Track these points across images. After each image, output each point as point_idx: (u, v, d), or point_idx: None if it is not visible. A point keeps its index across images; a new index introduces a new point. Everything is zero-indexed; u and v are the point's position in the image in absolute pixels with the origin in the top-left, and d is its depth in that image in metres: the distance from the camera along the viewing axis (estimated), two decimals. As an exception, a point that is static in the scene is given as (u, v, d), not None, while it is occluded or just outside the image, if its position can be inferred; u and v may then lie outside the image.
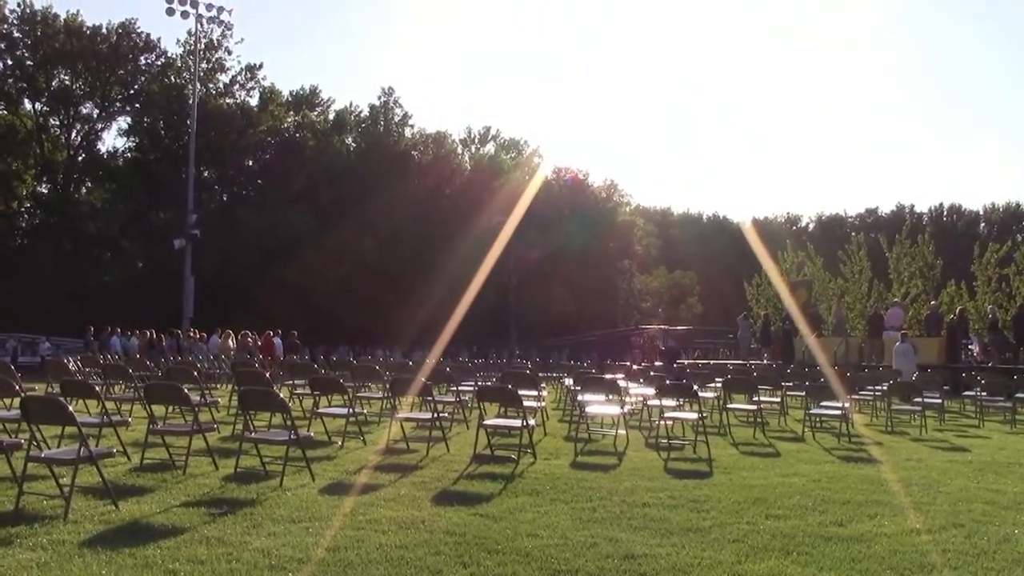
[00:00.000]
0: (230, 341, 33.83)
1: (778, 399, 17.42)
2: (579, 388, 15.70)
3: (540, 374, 19.34)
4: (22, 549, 6.66)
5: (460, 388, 16.35)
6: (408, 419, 13.40)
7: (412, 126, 69.11)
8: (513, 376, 16.61)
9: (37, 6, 59.49)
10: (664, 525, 7.90)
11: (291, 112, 67.17)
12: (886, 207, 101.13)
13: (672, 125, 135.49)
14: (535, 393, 14.60)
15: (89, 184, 65.78)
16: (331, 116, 68.68)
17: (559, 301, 57.75)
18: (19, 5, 59.26)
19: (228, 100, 64.68)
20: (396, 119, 68.17)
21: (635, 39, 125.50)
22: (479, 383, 17.50)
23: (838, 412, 15.02)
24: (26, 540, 6.91)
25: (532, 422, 12.36)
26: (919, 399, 16.38)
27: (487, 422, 11.91)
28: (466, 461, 11.32)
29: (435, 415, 12.52)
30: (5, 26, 58.98)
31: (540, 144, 72.58)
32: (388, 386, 15.33)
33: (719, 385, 17.21)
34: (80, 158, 64.20)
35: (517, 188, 55.61)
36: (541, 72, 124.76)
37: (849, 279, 41.72)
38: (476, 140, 71.66)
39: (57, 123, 63.91)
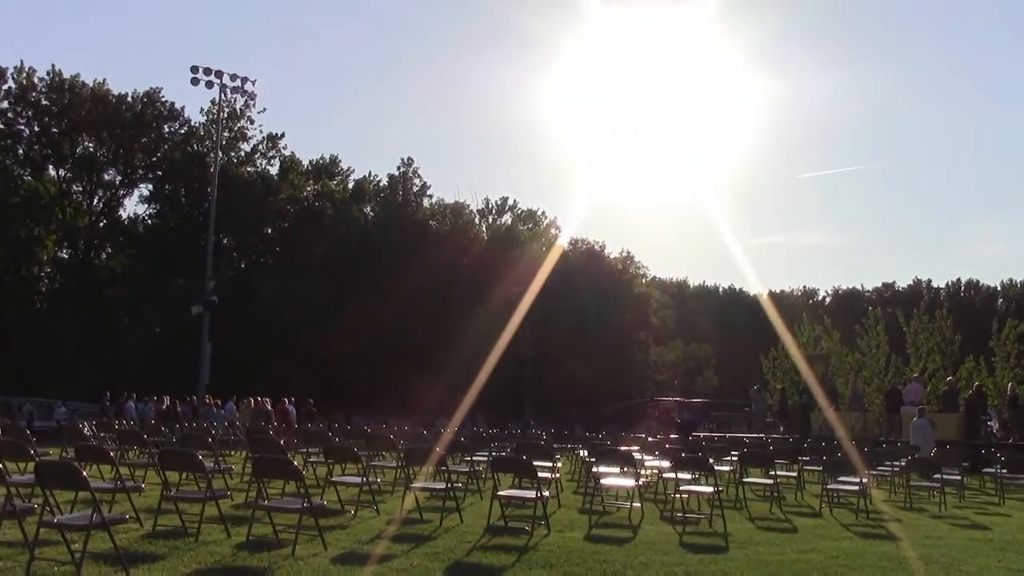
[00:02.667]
0: (246, 408, 33.85)
1: (795, 473, 17.26)
2: (594, 460, 15.62)
3: (555, 445, 19.24)
4: (31, 616, 6.63)
5: (474, 458, 16.25)
6: (422, 489, 13.32)
7: (430, 196, 69.62)
8: (528, 447, 16.55)
9: (66, 75, 60.50)
10: (679, 601, 7.81)
11: (311, 181, 67.72)
12: (903, 282, 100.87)
13: (686, 197, 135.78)
14: (550, 464, 14.51)
15: (109, 250, 66.31)
16: (350, 185, 69.24)
17: (575, 372, 57.58)
18: (48, 73, 60.32)
19: (249, 168, 65.33)
20: (415, 189, 68.64)
21: (650, 112, 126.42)
22: (493, 453, 17.42)
23: (856, 488, 14.85)
24: (36, 607, 6.88)
25: (546, 493, 12.28)
26: (938, 475, 16.20)
27: (501, 493, 11.84)
28: (480, 532, 11.23)
29: (449, 485, 12.46)
30: (33, 94, 59.94)
31: (557, 215, 72.83)
32: (402, 455, 15.29)
33: (735, 458, 17.08)
34: (101, 224, 64.82)
35: (534, 259, 55.77)
36: (559, 144, 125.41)
37: (866, 353, 41.48)
38: (493, 211, 72.07)
39: (80, 189, 64.63)
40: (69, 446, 15.03)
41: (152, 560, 8.95)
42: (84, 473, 8.65)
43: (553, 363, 57.89)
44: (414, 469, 14.72)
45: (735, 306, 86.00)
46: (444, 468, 13.16)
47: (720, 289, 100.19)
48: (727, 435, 35.22)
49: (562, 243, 66.53)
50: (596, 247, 71.69)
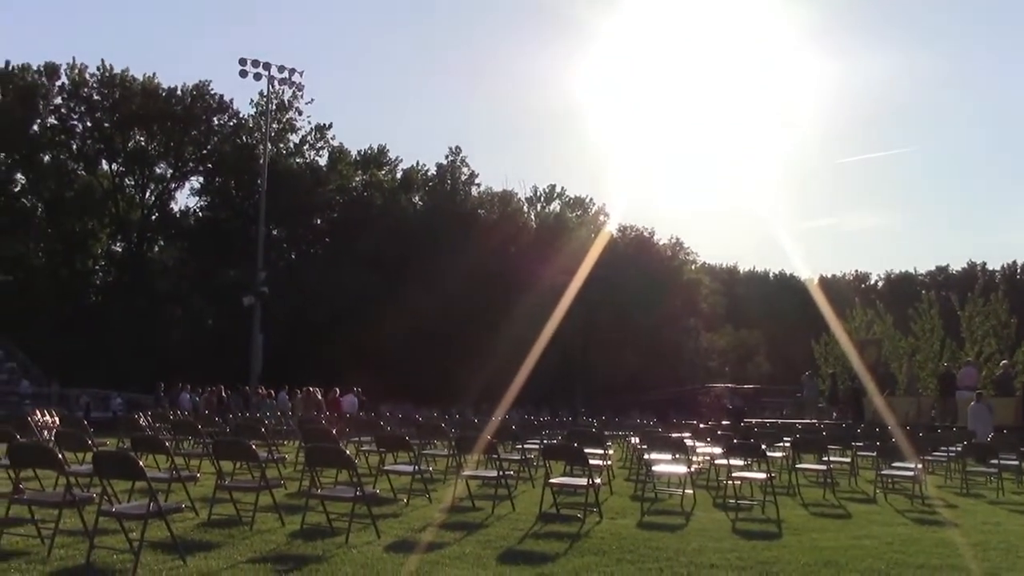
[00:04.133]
0: (298, 398, 34.10)
1: (848, 459, 17.10)
2: (645, 447, 15.57)
3: (606, 432, 19.19)
4: (91, 603, 6.72)
5: (526, 446, 16.26)
6: (474, 477, 13.35)
7: (478, 184, 69.66)
8: (579, 434, 16.54)
9: (116, 70, 61.22)
10: (733, 588, 7.77)
11: (359, 171, 68.01)
12: (957, 264, 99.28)
13: (735, 181, 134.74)
14: (601, 451, 14.48)
15: (162, 243, 67.11)
16: (399, 175, 69.45)
17: (624, 359, 57.42)
18: (99, 68, 61.09)
19: (298, 159, 65.76)
20: (463, 178, 68.71)
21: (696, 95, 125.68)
22: (545, 441, 17.41)
23: (910, 473, 14.68)
24: (96, 594, 6.98)
25: (598, 481, 12.26)
26: (995, 461, 15.99)
27: (553, 480, 11.84)
28: (532, 520, 11.24)
29: (501, 473, 12.48)
30: (85, 89, 60.73)
31: (605, 202, 72.55)
32: (453, 444, 15.33)
33: (787, 444, 16.95)
34: (153, 217, 65.64)
35: (583, 246, 55.61)
36: (606, 129, 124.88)
37: (920, 337, 41.03)
38: (542, 198, 71.93)
39: (132, 183, 65.47)
40: (125, 436, 15.22)
41: (208, 548, 9.06)
42: (140, 463, 8.76)
43: (602, 350, 57.77)
44: (465, 457, 14.76)
45: (785, 291, 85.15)
46: (495, 456, 13.19)
47: (770, 274, 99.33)
48: (779, 421, 34.95)
49: (610, 230, 66.33)
50: (645, 233, 71.34)
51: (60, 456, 9.40)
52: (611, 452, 16.54)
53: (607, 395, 55.22)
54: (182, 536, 9.12)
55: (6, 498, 9.62)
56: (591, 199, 72.52)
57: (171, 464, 11.04)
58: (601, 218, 70.96)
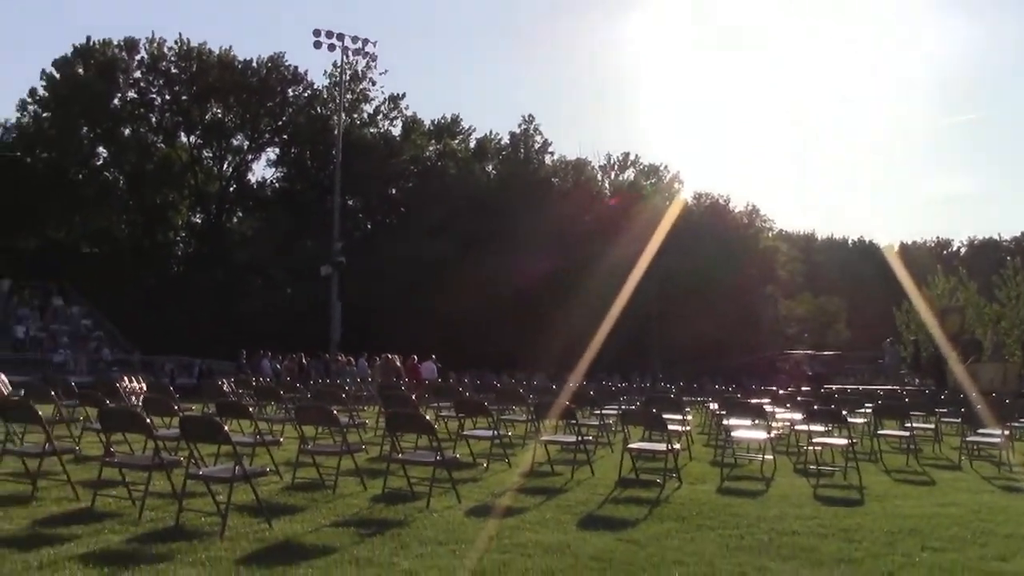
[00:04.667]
0: (376, 365, 34.40)
1: (932, 425, 16.85)
2: (724, 413, 15.49)
3: (684, 398, 19.13)
4: (182, 564, 6.89)
5: (604, 412, 16.27)
6: (552, 442, 13.38)
7: (552, 153, 69.43)
8: (658, 400, 16.50)
9: (193, 43, 61.99)
10: (814, 555, 7.71)
11: (433, 141, 68.17)
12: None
13: (815, 147, 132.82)
14: (680, 417, 14.45)
15: (240, 213, 68.01)
16: (472, 144, 69.47)
17: (701, 327, 57.00)
18: (176, 42, 61.90)
19: (372, 130, 66.03)
20: (536, 147, 68.52)
21: (775, 64, 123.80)
22: (623, 407, 17.41)
23: (997, 440, 14.42)
24: (185, 556, 7.15)
25: (677, 446, 12.23)
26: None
27: (632, 446, 11.83)
28: (611, 485, 11.26)
29: (579, 438, 12.51)
30: (164, 63, 61.57)
31: (680, 169, 71.94)
32: (532, 409, 15.39)
33: (869, 410, 16.74)
34: (231, 188, 66.52)
35: (657, 214, 55.25)
36: (681, 96, 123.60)
37: (1005, 304, 40.21)
38: (616, 166, 71.52)
39: (210, 155, 66.35)
40: (210, 402, 15.49)
41: (292, 512, 9.23)
42: (226, 428, 8.93)
43: (678, 318, 57.41)
44: (543, 423, 14.81)
45: (865, 258, 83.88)
46: (574, 421, 13.22)
47: (849, 241, 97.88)
48: (860, 387, 34.53)
49: (685, 197, 65.83)
50: (720, 200, 70.65)
51: (148, 421, 9.60)
52: (690, 418, 16.49)
53: (684, 362, 54.93)
54: (267, 499, 9.29)
55: (98, 461, 9.87)
56: (666, 167, 72.00)
57: (255, 429, 11.24)
58: (676, 185, 70.51)
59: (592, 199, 66.19)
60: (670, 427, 11.87)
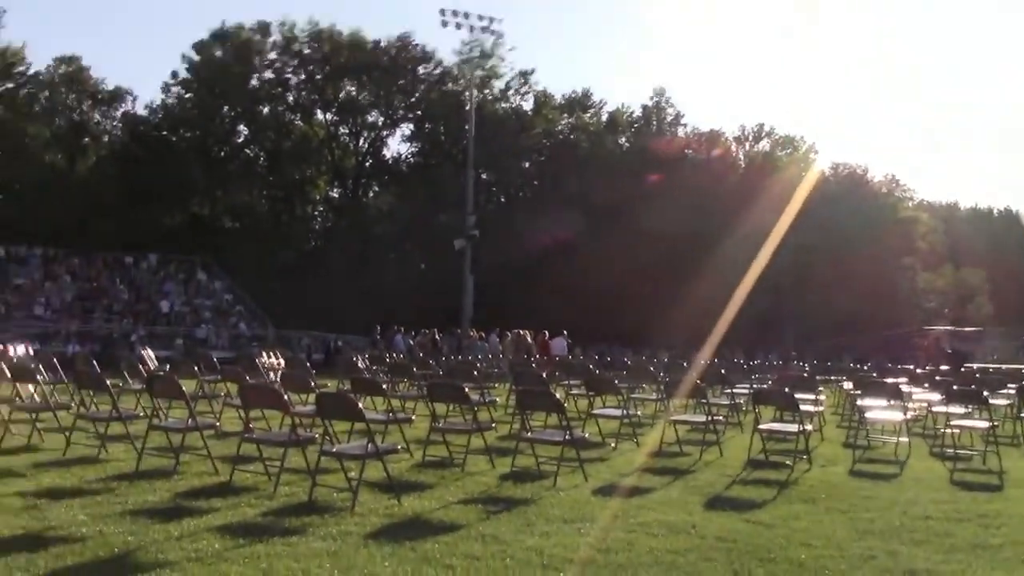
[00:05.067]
0: (508, 341, 34.61)
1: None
2: (859, 392, 15.19)
3: (817, 377, 18.81)
4: (314, 538, 7.12)
5: (734, 391, 16.12)
6: (681, 421, 13.34)
7: (684, 125, 68.76)
8: (789, 379, 16.27)
9: (323, 24, 63.08)
10: (949, 540, 7.55)
11: (564, 115, 68.12)
12: None
13: (954, 114, 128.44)
14: (812, 397, 14.23)
15: (376, 188, 69.10)
16: (603, 117, 69.16)
17: (837, 301, 55.84)
18: (308, 24, 63.13)
19: (503, 105, 66.29)
20: (668, 119, 67.93)
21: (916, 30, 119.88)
22: (754, 385, 17.21)
23: None
24: (318, 529, 7.39)
25: (809, 427, 12.06)
26: None
27: (762, 426, 11.72)
28: (739, 466, 11.20)
29: (709, 418, 12.44)
30: (296, 44, 62.84)
31: (816, 140, 70.37)
32: (662, 387, 15.34)
33: (1012, 391, 16.20)
34: (367, 164, 67.57)
35: (792, 185, 54.24)
36: (816, 66, 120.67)
37: None
38: (750, 137, 70.35)
39: (346, 131, 67.50)
40: (344, 378, 15.85)
41: (422, 489, 9.42)
42: (360, 405, 9.15)
43: (813, 291, 56.41)
44: (673, 401, 14.75)
45: (1012, 229, 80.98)
46: (704, 400, 13.14)
47: (994, 211, 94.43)
48: (1003, 366, 33.36)
49: (822, 168, 64.45)
50: (858, 171, 69.00)
51: (285, 397, 9.89)
52: (823, 397, 16.22)
53: (818, 337, 53.97)
54: (397, 476, 9.50)
55: (237, 436, 10.23)
56: (801, 137, 70.52)
57: (387, 406, 11.47)
58: (811, 156, 69.04)
59: (725, 171, 65.31)
60: (802, 407, 11.69)
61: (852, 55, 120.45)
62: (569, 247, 54.51)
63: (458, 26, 46.75)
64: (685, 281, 52.68)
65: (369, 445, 8.52)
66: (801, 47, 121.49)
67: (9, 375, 12.98)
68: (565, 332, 35.19)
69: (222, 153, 62.21)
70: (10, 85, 59.34)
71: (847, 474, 11.00)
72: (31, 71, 59.69)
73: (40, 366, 15.11)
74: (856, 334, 54.19)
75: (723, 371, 18.03)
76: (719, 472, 10.90)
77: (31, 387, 13.35)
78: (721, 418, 13.65)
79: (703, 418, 12.66)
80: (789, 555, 6.98)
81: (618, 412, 13.18)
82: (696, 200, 57.24)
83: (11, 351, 20.96)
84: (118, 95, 62.74)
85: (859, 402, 14.63)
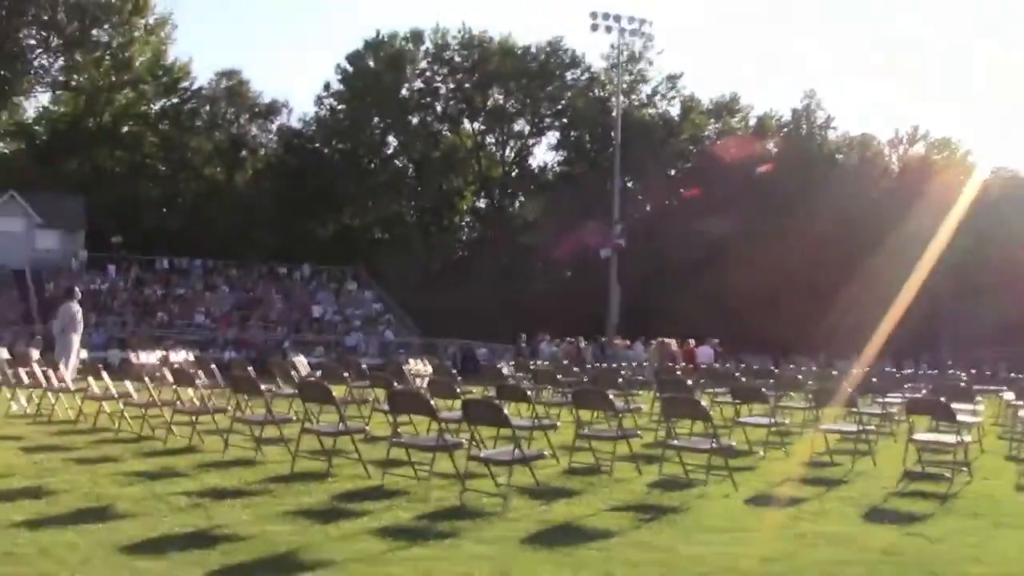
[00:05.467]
0: (653, 349, 34.38)
1: None
2: (1020, 404, 14.59)
3: (976, 387, 18.11)
4: (469, 542, 7.20)
5: (887, 400, 15.67)
6: (832, 431, 13.01)
7: (835, 128, 67.29)
8: (946, 388, 15.76)
9: (475, 31, 63.91)
10: None
11: (712, 120, 67.48)
12: None
13: None
14: (971, 407, 13.73)
15: (522, 198, 69.49)
16: (751, 122, 68.22)
17: (999, 309, 53.79)
18: (459, 31, 64.05)
19: (650, 111, 66.04)
20: (818, 122, 66.60)
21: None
22: (907, 395, 16.70)
23: None
24: (471, 534, 7.46)
25: (968, 438, 11.62)
26: None
27: (917, 437, 11.35)
28: (894, 477, 10.85)
29: (861, 427, 12.11)
30: (447, 52, 63.84)
31: (975, 142, 67.99)
32: (810, 396, 15.02)
33: None
34: (514, 173, 68.10)
35: (950, 190, 52.53)
36: (973, 68, 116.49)
37: None
38: (904, 141, 68.42)
39: (493, 140, 68.24)
40: (490, 385, 15.97)
41: (569, 495, 9.42)
42: (505, 411, 9.20)
43: (973, 299, 54.45)
44: (823, 410, 14.43)
45: None
46: (855, 410, 12.81)
47: None
48: None
49: (982, 171, 62.19)
50: (1021, 174, 66.32)
51: (432, 403, 10.02)
52: (982, 408, 15.62)
53: (975, 347, 52.07)
54: (545, 482, 9.53)
55: (386, 441, 10.40)
56: (958, 140, 68.28)
57: (533, 412, 11.51)
58: (970, 159, 66.73)
59: (879, 176, 63.69)
60: (960, 418, 11.28)
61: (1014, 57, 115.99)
62: (716, 254, 53.89)
63: (608, 29, 46.79)
64: (838, 289, 51.59)
65: (516, 451, 8.56)
66: (957, 48, 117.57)
67: (171, 380, 13.58)
68: (717, 340, 34.79)
69: (372, 164, 63.42)
70: (175, 100, 61.95)
71: (1013, 488, 10.58)
72: (195, 86, 62.29)
73: (199, 371, 15.71)
74: (1016, 345, 52.08)
75: (874, 380, 17.56)
76: (873, 483, 10.61)
77: (191, 391, 13.87)
78: (873, 428, 13.27)
79: (854, 427, 12.33)
80: (960, 571, 6.77)
81: (765, 420, 12.95)
82: (848, 206, 55.98)
83: (173, 357, 21.80)
84: (274, 108, 64.92)
85: (1022, 413, 14.06)
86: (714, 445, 9.77)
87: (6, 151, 60.16)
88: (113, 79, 59.59)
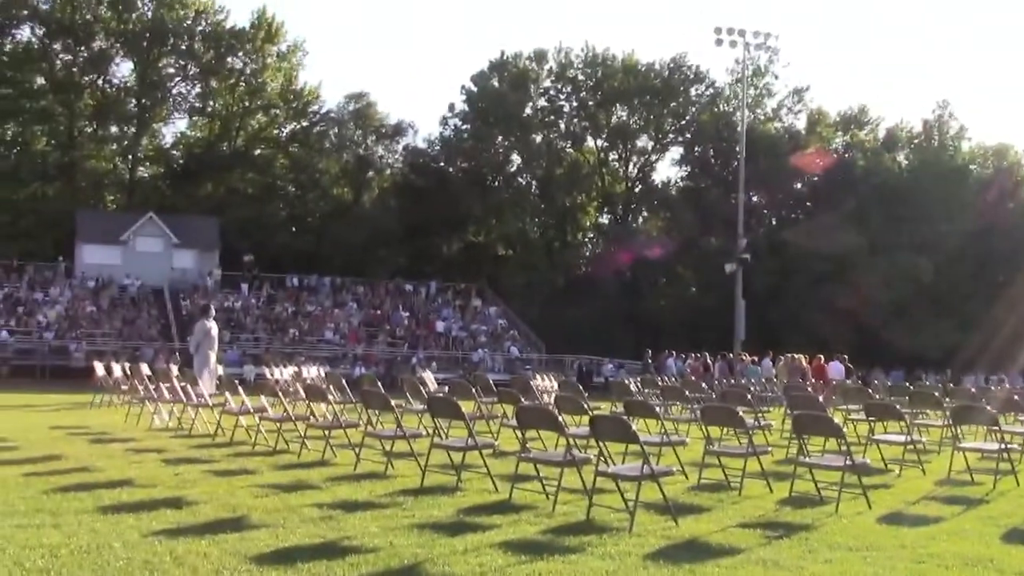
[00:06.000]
0: (781, 365, 33.87)
1: None
2: None
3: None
4: (592, 557, 7.18)
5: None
6: (972, 449, 12.64)
7: (969, 139, 65.37)
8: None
9: (598, 50, 64.11)
10: None
11: (839, 132, 66.29)
12: None
13: None
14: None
15: (645, 213, 69.22)
16: (880, 134, 66.76)
17: None
18: (583, 50, 64.42)
19: (775, 124, 65.26)
20: (951, 132, 64.80)
21: None
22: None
23: None
24: (596, 549, 7.44)
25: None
26: None
27: (1063, 455, 10.97)
28: (1039, 497, 10.50)
29: (1004, 445, 11.74)
30: (571, 71, 64.23)
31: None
32: (948, 414, 14.62)
33: None
34: (637, 189, 67.99)
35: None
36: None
37: None
38: (1043, 149, 66.05)
39: (616, 157, 68.32)
40: (617, 401, 15.94)
41: (698, 511, 9.35)
42: (633, 427, 9.18)
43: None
44: (961, 427, 14.02)
45: None
46: (997, 428, 12.42)
47: None
48: None
49: None
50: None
51: (560, 419, 10.04)
52: None
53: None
54: (673, 498, 9.44)
55: (515, 456, 10.46)
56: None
57: (661, 428, 11.45)
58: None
59: (1016, 186, 61.64)
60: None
61: None
62: (844, 268, 52.86)
63: (733, 44, 46.46)
64: (974, 303, 50.19)
65: (645, 466, 8.53)
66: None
67: (304, 395, 13.91)
68: (846, 356, 34.10)
69: (496, 182, 63.86)
70: (305, 123, 63.58)
71: None
72: (323, 109, 63.83)
73: (330, 387, 16.04)
74: None
75: (1016, 397, 17.01)
76: (1016, 503, 10.28)
77: (323, 406, 14.18)
78: (1016, 446, 12.84)
79: (996, 445, 11.95)
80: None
81: (901, 438, 12.65)
82: (983, 218, 54.40)
83: (305, 373, 22.31)
84: (400, 129, 66.13)
85: None
86: (848, 462, 9.58)
87: (146, 175, 62.52)
88: (246, 104, 61.74)
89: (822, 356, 33.18)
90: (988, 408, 13.23)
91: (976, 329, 44.91)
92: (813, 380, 29.84)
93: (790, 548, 7.69)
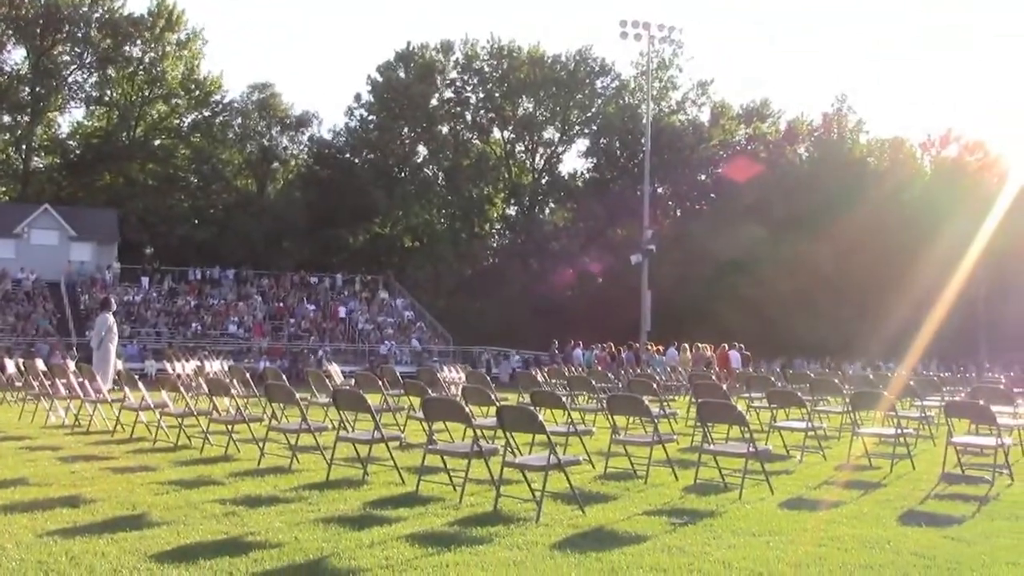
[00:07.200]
0: (687, 354, 34.29)
1: None
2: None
3: (1015, 389, 17.92)
4: (500, 547, 7.17)
5: (925, 403, 15.55)
6: (870, 434, 12.91)
7: (867, 132, 66.91)
8: (985, 391, 15.59)
9: (503, 41, 64.17)
10: None
11: (742, 125, 67.32)
12: None
13: None
14: (1010, 410, 13.59)
15: (552, 205, 69.54)
16: (782, 127, 67.97)
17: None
18: (488, 41, 64.42)
19: (680, 117, 66.08)
20: (850, 126, 66.21)
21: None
22: (946, 398, 16.55)
23: None
24: (503, 539, 7.43)
25: (1008, 440, 11.49)
26: None
27: (956, 439, 11.25)
28: (933, 480, 10.76)
29: (899, 431, 12.01)
30: (477, 62, 64.21)
31: (1010, 144, 67.27)
32: (848, 400, 14.93)
33: None
34: (543, 181, 68.27)
35: (985, 192, 52.12)
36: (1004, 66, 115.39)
37: None
38: (936, 143, 67.90)
39: (522, 148, 68.60)
40: (524, 392, 15.96)
41: (605, 500, 9.40)
42: (540, 417, 9.19)
43: (1012, 301, 54.01)
44: (860, 414, 14.32)
45: None
46: (893, 413, 12.71)
47: None
48: None
49: (1017, 173, 61.57)
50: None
51: (467, 410, 10.02)
52: (1021, 411, 15.46)
53: (1015, 350, 51.61)
54: (580, 488, 9.48)
55: (421, 448, 10.41)
56: (991, 142, 67.65)
57: (568, 418, 11.49)
58: (1004, 161, 66.11)
59: (911, 178, 63.19)
60: (999, 420, 11.15)
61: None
62: (748, 259, 53.68)
63: (637, 37, 46.64)
64: (873, 293, 51.30)
65: (551, 457, 8.54)
66: (987, 48, 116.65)
67: (207, 389, 13.67)
68: (740, 345, 34.62)
69: (402, 174, 63.61)
70: (207, 113, 62.49)
71: (1054, 490, 10.46)
72: (226, 99, 62.85)
73: (234, 381, 15.79)
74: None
75: (911, 383, 17.42)
76: (912, 486, 10.52)
77: (226, 400, 13.95)
78: (912, 431, 13.16)
79: (893, 431, 12.23)
80: (992, 573, 6.68)
81: (802, 425, 12.86)
82: (880, 210, 55.63)
83: (207, 367, 21.94)
84: (305, 119, 65.44)
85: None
86: (751, 449, 9.71)
87: (41, 166, 60.93)
88: (146, 93, 60.47)
89: (726, 345, 33.68)
90: (885, 394, 13.52)
91: (880, 319, 45.92)
92: (717, 369, 30.29)
93: (695, 534, 7.77)
